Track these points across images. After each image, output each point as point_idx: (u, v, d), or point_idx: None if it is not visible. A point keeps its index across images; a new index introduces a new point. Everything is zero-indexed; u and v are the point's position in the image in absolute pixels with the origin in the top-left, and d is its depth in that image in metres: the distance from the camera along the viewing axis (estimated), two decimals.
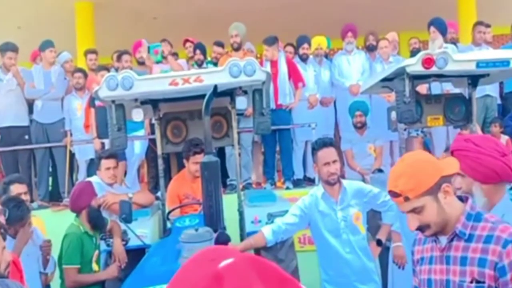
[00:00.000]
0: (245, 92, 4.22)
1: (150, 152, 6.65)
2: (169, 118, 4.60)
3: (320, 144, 3.38)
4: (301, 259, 4.64)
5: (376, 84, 5.04)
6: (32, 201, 5.52)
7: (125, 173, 6.57)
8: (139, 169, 7.10)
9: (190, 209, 4.40)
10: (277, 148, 6.87)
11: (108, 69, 6.64)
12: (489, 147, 2.16)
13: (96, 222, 3.92)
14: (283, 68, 6.57)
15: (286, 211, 3.55)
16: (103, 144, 6.10)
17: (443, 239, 1.90)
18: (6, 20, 10.14)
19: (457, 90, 5.35)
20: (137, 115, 4.14)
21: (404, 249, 3.77)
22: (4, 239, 2.02)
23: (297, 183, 6.61)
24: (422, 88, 5.78)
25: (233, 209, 4.51)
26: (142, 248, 4.16)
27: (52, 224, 4.88)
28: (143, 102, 4.26)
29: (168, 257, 3.19)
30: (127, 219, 3.92)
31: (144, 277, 3.00)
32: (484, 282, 1.77)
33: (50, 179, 6.98)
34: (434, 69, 4.20)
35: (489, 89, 6.53)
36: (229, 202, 4.18)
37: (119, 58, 7.03)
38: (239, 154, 6.02)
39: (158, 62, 7.02)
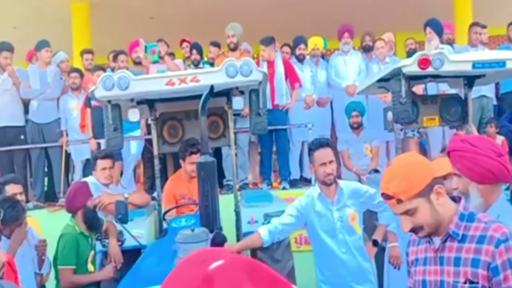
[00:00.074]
0: (242, 92, 4.22)
1: (146, 152, 6.63)
2: (166, 118, 4.59)
3: (317, 144, 3.38)
4: (298, 259, 4.63)
5: (372, 84, 5.05)
6: (27, 201, 5.50)
7: (121, 174, 6.55)
8: (135, 169, 7.08)
9: (186, 209, 4.39)
10: (274, 149, 6.87)
11: (104, 69, 6.61)
12: (485, 148, 2.17)
13: (92, 222, 3.92)
14: (279, 68, 6.56)
15: (283, 212, 3.54)
16: (99, 144, 6.08)
17: (437, 240, 1.90)
18: (2, 20, 10.12)
19: (453, 91, 5.37)
20: (133, 115, 4.14)
21: (400, 249, 3.78)
22: None
23: (293, 184, 6.60)
24: (418, 89, 5.78)
25: (230, 209, 4.51)
26: (138, 249, 4.15)
27: (48, 224, 4.87)
28: (139, 102, 4.25)
29: (164, 257, 3.18)
30: (123, 220, 3.92)
31: (139, 278, 3.00)
32: (477, 283, 1.78)
33: (46, 179, 6.95)
34: (430, 70, 4.21)
35: (485, 90, 6.55)
36: (225, 202, 4.18)
37: (115, 58, 7.02)
38: (236, 154, 6.01)
39: (154, 62, 7.01)
